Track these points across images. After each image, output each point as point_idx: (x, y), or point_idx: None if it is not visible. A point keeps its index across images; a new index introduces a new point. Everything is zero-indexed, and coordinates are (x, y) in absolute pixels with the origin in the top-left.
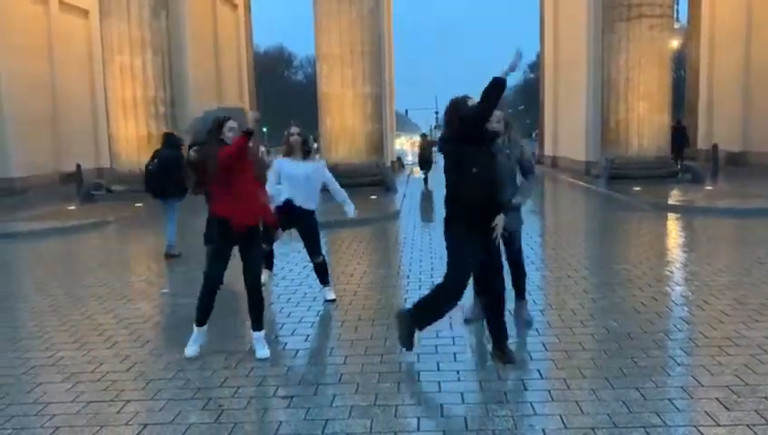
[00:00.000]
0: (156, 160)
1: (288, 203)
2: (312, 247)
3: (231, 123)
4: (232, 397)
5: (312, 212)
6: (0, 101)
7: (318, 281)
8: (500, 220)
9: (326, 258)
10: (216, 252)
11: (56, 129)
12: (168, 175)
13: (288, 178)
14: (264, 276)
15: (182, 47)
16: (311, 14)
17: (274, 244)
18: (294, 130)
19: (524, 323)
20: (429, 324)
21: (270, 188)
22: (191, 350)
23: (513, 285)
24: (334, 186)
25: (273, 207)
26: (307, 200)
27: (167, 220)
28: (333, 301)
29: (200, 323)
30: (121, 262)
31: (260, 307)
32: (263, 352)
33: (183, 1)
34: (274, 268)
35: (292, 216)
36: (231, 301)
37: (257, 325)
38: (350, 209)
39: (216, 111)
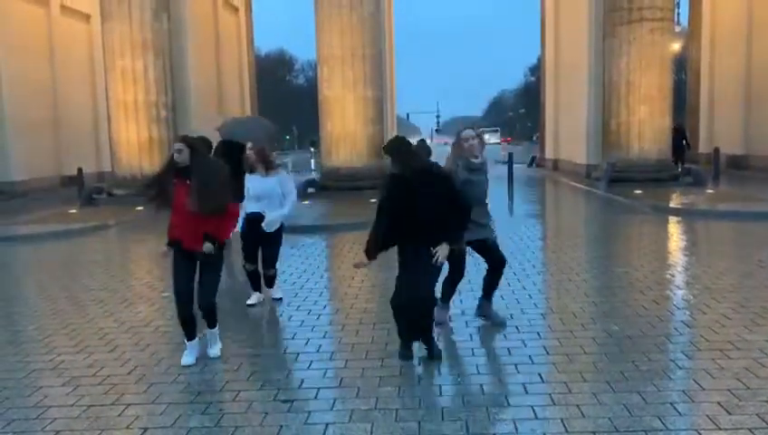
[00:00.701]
0: None
1: (256, 215)
2: (270, 260)
3: (175, 145)
4: (232, 401)
5: (279, 225)
6: (1, 105)
7: (265, 284)
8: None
9: (277, 271)
10: (175, 269)
11: (57, 132)
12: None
13: (255, 194)
14: (253, 298)
15: (183, 51)
16: (312, 18)
17: (263, 266)
18: (248, 145)
19: (498, 322)
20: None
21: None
22: (187, 359)
23: (486, 287)
24: (290, 198)
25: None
26: (270, 212)
27: None
28: (280, 300)
29: (189, 338)
30: (122, 265)
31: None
32: (213, 350)
33: (184, 4)
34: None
35: (257, 230)
36: (230, 305)
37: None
38: (270, 222)
39: (245, 118)
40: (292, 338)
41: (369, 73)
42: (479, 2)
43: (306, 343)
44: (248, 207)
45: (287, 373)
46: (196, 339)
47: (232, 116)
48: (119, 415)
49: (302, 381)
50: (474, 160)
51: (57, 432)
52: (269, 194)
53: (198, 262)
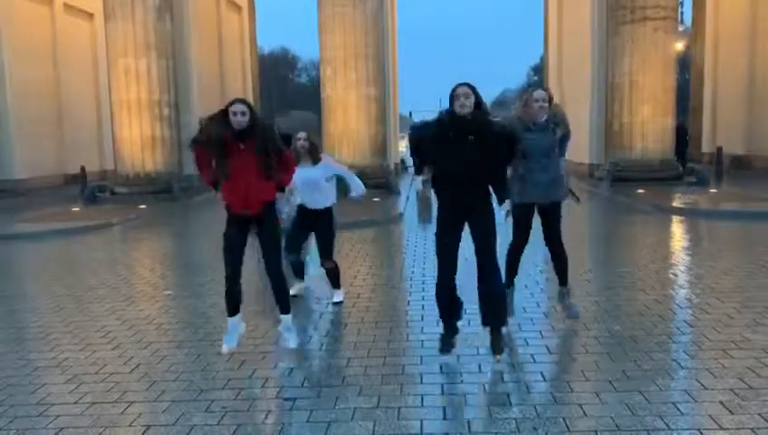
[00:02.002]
0: None
1: (302, 207)
2: (324, 251)
3: (234, 108)
4: (235, 399)
5: (328, 210)
6: (5, 103)
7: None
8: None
9: (338, 264)
10: (226, 241)
11: (61, 131)
12: None
13: (303, 184)
14: (295, 289)
15: (186, 50)
16: (315, 17)
17: (306, 254)
18: (301, 135)
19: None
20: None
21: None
22: (229, 344)
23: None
24: (349, 174)
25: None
26: (319, 201)
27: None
28: (340, 303)
29: (231, 313)
30: (125, 264)
31: (282, 293)
32: (291, 341)
33: (187, 3)
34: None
35: (307, 219)
36: None
37: (284, 310)
38: (358, 194)
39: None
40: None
41: (372, 72)
42: (482, 0)
43: (308, 341)
44: (298, 198)
45: (289, 372)
46: (239, 315)
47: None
48: (121, 413)
49: (305, 380)
50: (535, 121)
51: (60, 429)
52: (315, 183)
53: (257, 232)
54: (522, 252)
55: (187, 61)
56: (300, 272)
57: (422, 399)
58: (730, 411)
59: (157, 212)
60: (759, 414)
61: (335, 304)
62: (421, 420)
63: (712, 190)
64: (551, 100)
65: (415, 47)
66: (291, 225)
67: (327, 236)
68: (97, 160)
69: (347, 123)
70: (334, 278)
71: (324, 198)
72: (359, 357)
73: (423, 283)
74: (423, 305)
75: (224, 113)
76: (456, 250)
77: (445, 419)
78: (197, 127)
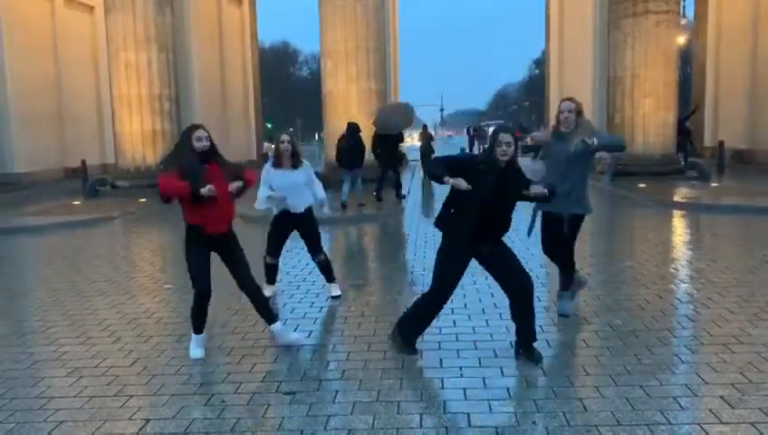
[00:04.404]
0: (345, 143)
1: (285, 212)
2: (312, 247)
3: (198, 133)
4: (234, 393)
5: (309, 211)
6: (6, 97)
7: (324, 278)
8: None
9: (328, 256)
10: (194, 259)
11: (61, 124)
12: (353, 153)
13: (279, 189)
14: (268, 292)
15: (187, 43)
16: (316, 10)
17: (277, 258)
18: (285, 138)
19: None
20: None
21: (263, 192)
22: (197, 352)
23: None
24: (317, 188)
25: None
26: (300, 204)
27: (346, 182)
28: (338, 297)
29: (201, 330)
30: (125, 257)
31: (265, 303)
32: (293, 336)
33: None
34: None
35: (288, 222)
36: (233, 297)
37: (271, 320)
38: (326, 209)
39: (393, 105)
40: (294, 330)
41: (373, 67)
42: None
43: (308, 335)
44: (266, 204)
45: (289, 365)
46: (204, 333)
47: (380, 107)
48: (121, 406)
49: (304, 374)
50: (562, 130)
51: (60, 423)
52: (299, 186)
53: (225, 247)
54: (550, 254)
55: (187, 55)
56: (273, 275)
57: (421, 393)
58: (730, 406)
59: (157, 206)
60: (759, 409)
61: (333, 298)
62: (421, 415)
63: (713, 185)
64: (579, 112)
65: (416, 41)
66: (271, 229)
67: (313, 233)
68: (98, 154)
69: (348, 117)
70: (327, 272)
71: (306, 199)
72: (358, 351)
73: (423, 277)
74: None
75: (185, 140)
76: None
77: (444, 413)
78: (161, 163)
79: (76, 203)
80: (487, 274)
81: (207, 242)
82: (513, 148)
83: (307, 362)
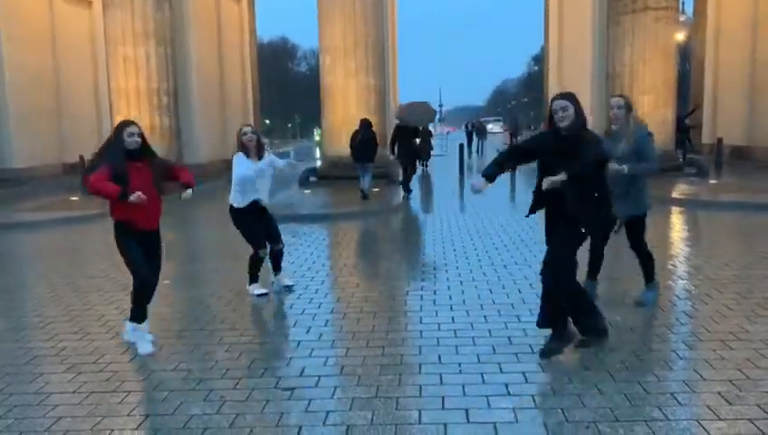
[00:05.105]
0: (359, 138)
1: (252, 203)
2: (276, 236)
3: (130, 129)
4: (233, 388)
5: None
6: (3, 92)
7: (272, 268)
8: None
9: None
10: (129, 252)
11: (59, 120)
12: (366, 148)
13: (247, 180)
14: (261, 288)
15: (185, 39)
16: (314, 6)
17: (273, 242)
18: (247, 129)
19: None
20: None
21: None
22: (146, 347)
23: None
24: (282, 162)
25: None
26: (266, 193)
27: (363, 175)
28: (291, 287)
29: (143, 319)
30: None
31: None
32: (146, 349)
33: None
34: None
35: (256, 213)
36: (233, 294)
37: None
38: (284, 163)
39: (413, 103)
40: (294, 326)
41: (372, 62)
42: None
43: (307, 332)
44: (248, 196)
45: (288, 361)
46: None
47: (404, 103)
48: (120, 402)
49: (303, 369)
50: (612, 127)
51: (58, 419)
52: (260, 179)
53: (150, 242)
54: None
55: (185, 49)
56: (257, 272)
57: (420, 389)
58: (728, 402)
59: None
60: (757, 405)
61: (286, 287)
62: (419, 410)
63: (712, 181)
64: (629, 107)
65: (415, 37)
66: (244, 225)
67: (274, 221)
68: (96, 149)
69: (346, 112)
70: (278, 261)
71: (270, 189)
72: (357, 347)
73: (422, 273)
74: (422, 296)
75: (116, 136)
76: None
77: (443, 408)
78: (92, 157)
79: (74, 199)
80: (485, 270)
81: (137, 236)
82: (571, 111)
83: (306, 358)
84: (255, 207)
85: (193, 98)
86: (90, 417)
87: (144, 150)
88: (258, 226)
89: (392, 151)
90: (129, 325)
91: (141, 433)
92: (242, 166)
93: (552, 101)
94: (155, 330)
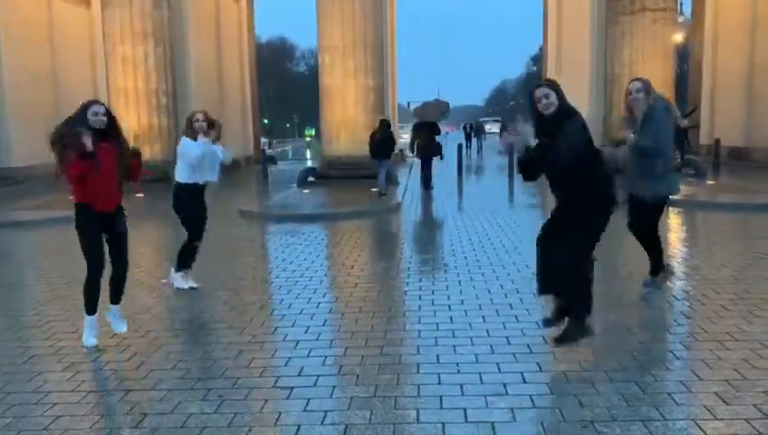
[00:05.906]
0: (377, 137)
1: (195, 184)
2: (203, 226)
3: (95, 108)
4: (232, 387)
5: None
6: (2, 92)
7: (180, 265)
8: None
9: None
10: (88, 244)
11: (58, 119)
12: (383, 145)
13: (199, 157)
14: (191, 281)
15: (184, 38)
16: (313, 5)
17: (197, 238)
18: (199, 116)
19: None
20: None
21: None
22: (91, 340)
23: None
24: (223, 152)
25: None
26: (214, 174)
27: (380, 171)
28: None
29: (94, 310)
30: None
31: (122, 285)
32: (120, 326)
33: None
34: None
35: (199, 196)
36: (231, 293)
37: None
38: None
39: (430, 102)
40: (292, 326)
41: (371, 62)
42: None
43: (306, 331)
44: (192, 176)
45: (287, 361)
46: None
47: (422, 102)
48: (118, 401)
49: (302, 369)
50: (634, 114)
51: (57, 417)
52: (217, 158)
53: (112, 229)
54: (639, 235)
55: (184, 49)
56: (191, 260)
57: (419, 388)
58: (725, 402)
59: (154, 200)
60: (754, 405)
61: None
62: (418, 410)
63: (709, 182)
64: (648, 91)
65: (414, 37)
66: (186, 209)
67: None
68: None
69: (345, 112)
70: (193, 257)
71: (216, 172)
72: (356, 347)
73: (421, 273)
74: (420, 295)
75: (80, 114)
76: (552, 248)
77: (441, 408)
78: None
79: (72, 198)
80: (483, 270)
81: (97, 221)
82: (552, 98)
83: (304, 358)
84: (201, 189)
85: (191, 98)
86: (88, 416)
87: (110, 131)
88: (198, 213)
89: (412, 150)
90: (85, 324)
91: (140, 432)
92: (194, 147)
93: (533, 90)
94: (152, 328)
